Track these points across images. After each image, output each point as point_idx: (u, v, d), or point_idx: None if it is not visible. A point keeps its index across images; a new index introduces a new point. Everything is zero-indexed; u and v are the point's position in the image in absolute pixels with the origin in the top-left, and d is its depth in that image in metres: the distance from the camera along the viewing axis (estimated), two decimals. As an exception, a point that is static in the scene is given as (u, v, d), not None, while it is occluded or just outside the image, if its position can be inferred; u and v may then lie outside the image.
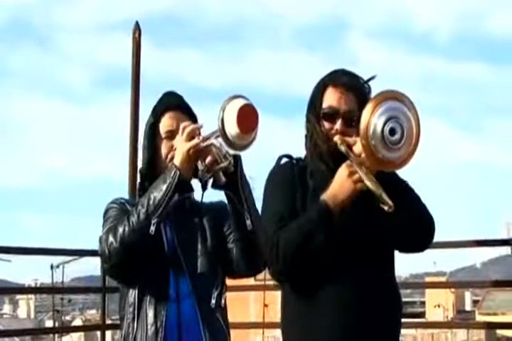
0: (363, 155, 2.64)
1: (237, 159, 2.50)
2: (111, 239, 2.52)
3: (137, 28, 5.46)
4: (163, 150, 2.69)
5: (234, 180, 2.52)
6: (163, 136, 2.70)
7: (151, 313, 2.57)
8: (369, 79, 2.86)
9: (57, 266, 7.22)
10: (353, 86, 2.80)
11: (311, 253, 2.69)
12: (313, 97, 2.86)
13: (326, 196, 2.69)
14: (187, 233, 2.64)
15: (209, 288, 2.62)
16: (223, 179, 2.51)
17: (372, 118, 2.59)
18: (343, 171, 2.69)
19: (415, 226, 2.74)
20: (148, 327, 2.56)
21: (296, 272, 2.75)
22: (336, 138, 2.74)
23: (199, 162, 2.54)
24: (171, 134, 2.68)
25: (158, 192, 2.52)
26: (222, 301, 2.65)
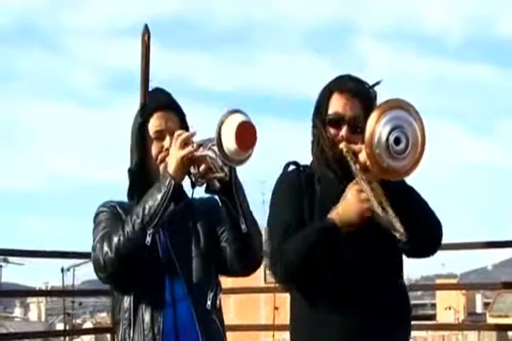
0: (367, 163, 2.65)
1: (231, 168, 2.48)
2: (106, 248, 2.51)
3: (146, 30, 5.45)
4: (153, 150, 2.68)
5: (228, 186, 2.51)
6: (152, 136, 2.68)
7: (147, 319, 2.56)
8: (374, 85, 2.86)
9: (68, 269, 7.25)
10: (358, 92, 2.80)
11: (316, 265, 2.68)
12: (318, 103, 2.85)
13: (334, 216, 2.68)
14: (180, 235, 2.64)
15: (204, 290, 2.61)
16: (217, 185, 2.51)
17: (377, 127, 2.58)
18: (351, 191, 2.68)
19: (423, 232, 2.73)
20: (145, 332, 2.55)
21: (301, 282, 2.75)
22: (342, 146, 2.74)
23: (192, 167, 2.52)
24: (160, 134, 2.67)
25: (154, 201, 2.50)
26: (218, 302, 2.65)
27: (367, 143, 2.59)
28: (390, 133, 2.58)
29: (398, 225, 2.58)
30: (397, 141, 2.59)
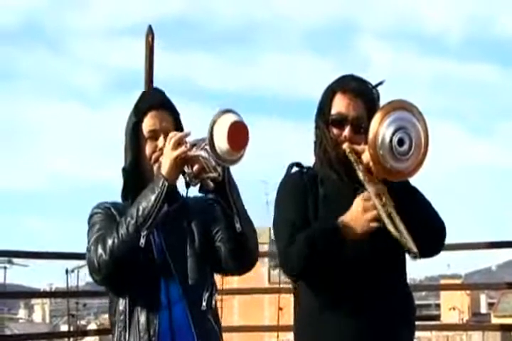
0: (371, 163, 2.64)
1: (225, 168, 2.48)
2: (100, 250, 2.51)
3: (150, 31, 5.46)
4: (147, 150, 2.67)
5: (222, 185, 2.51)
6: (146, 135, 2.67)
7: (143, 321, 2.56)
8: (377, 85, 2.86)
9: (72, 271, 7.23)
10: (361, 92, 2.80)
11: (318, 266, 2.68)
12: (321, 103, 2.85)
13: (340, 225, 2.67)
14: (175, 236, 2.63)
15: (199, 292, 2.61)
16: (211, 185, 2.51)
17: (381, 128, 2.58)
18: (357, 204, 2.67)
19: (426, 233, 2.72)
20: (141, 334, 2.55)
21: (309, 282, 2.76)
22: (345, 146, 2.74)
23: (186, 166, 2.52)
24: (154, 134, 2.66)
25: (147, 202, 2.50)
26: (213, 302, 2.65)
27: (370, 144, 2.59)
28: (393, 134, 2.58)
29: (412, 245, 2.57)
30: (400, 142, 2.58)
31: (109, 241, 2.50)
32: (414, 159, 2.61)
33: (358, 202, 2.68)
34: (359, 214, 2.66)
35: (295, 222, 2.77)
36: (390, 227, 2.60)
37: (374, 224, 2.64)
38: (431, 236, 2.77)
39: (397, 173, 2.63)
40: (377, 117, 2.60)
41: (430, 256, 2.88)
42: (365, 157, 2.67)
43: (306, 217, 2.78)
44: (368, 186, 2.67)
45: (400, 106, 2.63)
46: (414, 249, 2.57)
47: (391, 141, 2.58)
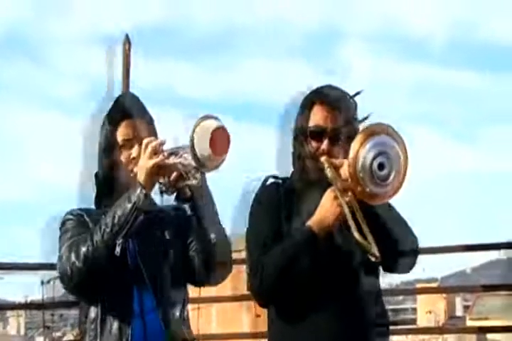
0: (349, 180, 2.62)
1: (202, 175, 2.49)
2: (73, 258, 2.49)
3: (127, 40, 5.49)
4: (122, 158, 2.66)
5: (197, 195, 2.51)
6: (120, 143, 2.66)
7: (115, 330, 2.54)
8: (355, 95, 2.85)
9: (48, 281, 7.16)
10: (339, 103, 2.78)
11: (295, 277, 2.67)
12: (299, 115, 2.83)
13: (312, 222, 2.68)
14: (149, 245, 2.62)
15: (173, 302, 2.60)
16: (189, 193, 2.52)
17: (361, 152, 2.57)
18: (328, 196, 2.68)
19: (399, 250, 2.72)
20: None
21: (280, 296, 2.73)
22: (323, 160, 2.72)
23: (162, 177, 2.52)
24: (129, 143, 2.66)
25: (123, 210, 2.48)
26: (186, 313, 2.64)
27: (350, 165, 2.59)
28: (374, 158, 2.57)
29: (375, 250, 2.56)
30: (380, 166, 2.58)
31: (83, 249, 2.48)
32: (394, 184, 2.61)
33: (327, 194, 2.68)
34: (329, 203, 2.66)
35: (268, 234, 2.75)
36: (356, 234, 2.57)
37: (340, 209, 2.62)
38: (403, 253, 2.75)
39: (376, 197, 2.62)
40: (358, 140, 2.59)
41: (404, 272, 2.88)
42: (344, 171, 2.67)
43: (279, 231, 2.75)
44: (337, 185, 2.65)
45: (382, 130, 2.61)
46: (377, 254, 2.56)
47: (371, 165, 2.57)
